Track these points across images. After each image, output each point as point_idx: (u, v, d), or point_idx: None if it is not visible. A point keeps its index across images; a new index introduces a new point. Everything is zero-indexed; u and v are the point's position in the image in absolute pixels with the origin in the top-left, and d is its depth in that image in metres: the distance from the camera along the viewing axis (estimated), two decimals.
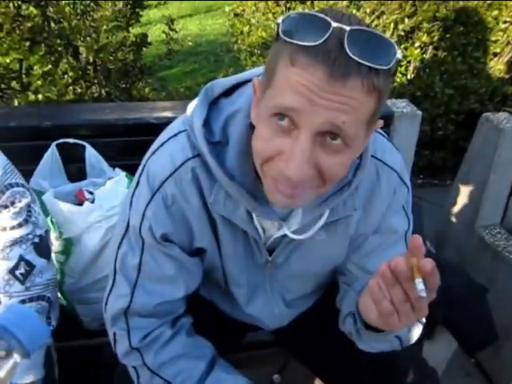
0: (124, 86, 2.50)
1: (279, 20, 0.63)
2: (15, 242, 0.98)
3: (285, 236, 0.87)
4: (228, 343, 1.08)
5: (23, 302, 0.98)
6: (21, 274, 0.97)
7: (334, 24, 0.60)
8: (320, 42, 0.59)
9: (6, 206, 0.97)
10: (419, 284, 0.60)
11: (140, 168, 0.85)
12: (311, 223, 0.85)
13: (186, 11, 5.73)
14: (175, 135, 0.82)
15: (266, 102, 0.66)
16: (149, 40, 2.53)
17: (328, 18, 0.60)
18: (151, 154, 0.84)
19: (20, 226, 0.98)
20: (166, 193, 0.81)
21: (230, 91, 0.82)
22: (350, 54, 0.59)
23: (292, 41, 0.61)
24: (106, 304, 0.91)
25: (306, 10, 0.64)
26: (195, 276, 0.93)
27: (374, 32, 0.62)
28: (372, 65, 0.60)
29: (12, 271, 0.97)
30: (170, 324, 0.93)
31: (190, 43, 3.04)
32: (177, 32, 2.69)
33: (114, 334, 0.92)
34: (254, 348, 1.35)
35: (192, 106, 0.82)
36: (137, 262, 0.86)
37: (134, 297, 0.88)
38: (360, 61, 0.59)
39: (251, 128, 0.75)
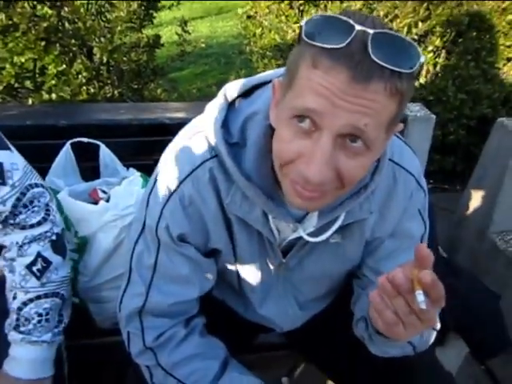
0: (136, 86, 2.51)
1: (302, 22, 0.62)
2: (34, 239, 0.99)
3: (299, 238, 0.87)
4: (240, 344, 1.08)
5: (38, 297, 0.99)
6: (38, 269, 0.99)
7: (358, 27, 0.60)
8: (343, 44, 0.59)
9: (25, 206, 0.99)
10: (419, 296, 0.59)
11: (157, 168, 0.86)
12: (326, 226, 0.84)
13: (196, 13, 5.76)
14: (193, 136, 0.83)
15: (287, 104, 0.66)
16: (161, 41, 2.54)
17: (351, 21, 0.60)
18: (169, 153, 0.84)
19: (39, 224, 1.00)
20: (183, 193, 0.81)
21: (248, 92, 0.83)
22: (374, 58, 0.59)
23: (315, 43, 0.61)
24: (121, 303, 0.91)
25: (328, 13, 0.63)
26: (209, 277, 0.93)
27: (398, 35, 0.62)
28: (395, 68, 0.60)
29: (29, 267, 0.99)
30: (183, 324, 0.93)
31: (203, 45, 3.04)
32: (190, 34, 2.70)
33: (128, 333, 0.92)
34: (263, 350, 1.34)
35: (210, 106, 0.82)
36: (152, 261, 0.86)
37: (149, 296, 0.88)
38: (383, 64, 0.59)
39: (270, 129, 0.75)
